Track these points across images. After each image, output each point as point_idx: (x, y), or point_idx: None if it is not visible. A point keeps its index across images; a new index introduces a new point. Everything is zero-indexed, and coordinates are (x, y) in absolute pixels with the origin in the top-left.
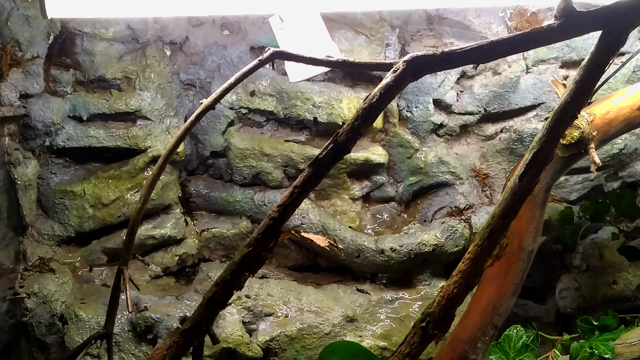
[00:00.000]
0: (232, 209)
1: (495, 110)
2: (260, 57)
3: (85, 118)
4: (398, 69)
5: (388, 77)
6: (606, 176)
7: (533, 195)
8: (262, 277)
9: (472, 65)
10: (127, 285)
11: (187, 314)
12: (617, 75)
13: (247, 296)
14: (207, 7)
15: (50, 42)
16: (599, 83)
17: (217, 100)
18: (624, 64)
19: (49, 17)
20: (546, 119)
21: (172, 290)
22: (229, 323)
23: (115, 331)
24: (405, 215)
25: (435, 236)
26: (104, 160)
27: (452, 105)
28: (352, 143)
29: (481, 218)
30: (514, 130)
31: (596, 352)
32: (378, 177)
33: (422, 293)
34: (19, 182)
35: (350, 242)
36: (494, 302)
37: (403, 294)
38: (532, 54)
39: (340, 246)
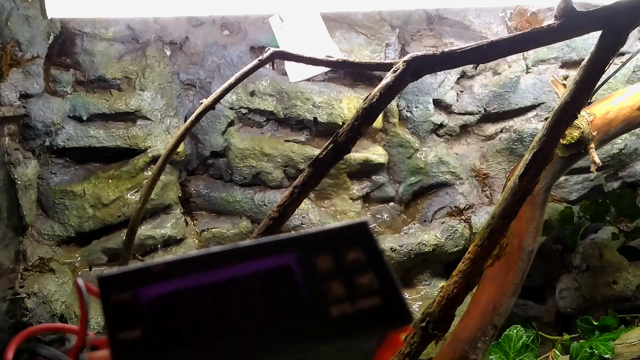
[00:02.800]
0: (232, 209)
1: (495, 110)
2: (260, 57)
3: (85, 118)
4: (398, 69)
5: (388, 77)
6: (606, 176)
7: (533, 195)
8: None
9: (472, 65)
10: None
11: None
12: (617, 75)
13: None
14: (207, 7)
15: (50, 42)
16: (599, 83)
17: (217, 100)
18: (624, 64)
19: (49, 17)
20: (546, 119)
21: None
22: None
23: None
24: (405, 215)
25: (435, 236)
26: (104, 160)
27: (452, 105)
28: (352, 143)
29: (481, 218)
30: (514, 130)
31: (596, 352)
32: (378, 177)
33: (422, 293)
34: (19, 182)
35: None
36: (494, 302)
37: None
38: (532, 54)
39: None
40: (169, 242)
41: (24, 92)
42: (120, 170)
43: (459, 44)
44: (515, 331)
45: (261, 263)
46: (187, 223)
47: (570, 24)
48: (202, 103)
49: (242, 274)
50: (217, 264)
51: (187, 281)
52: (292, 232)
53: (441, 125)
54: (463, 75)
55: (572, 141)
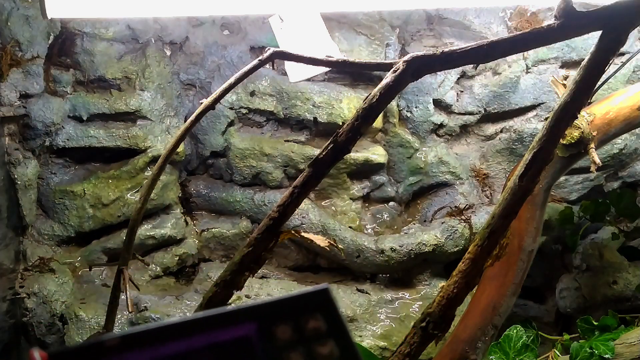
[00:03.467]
0: (232, 209)
1: (495, 110)
2: (260, 57)
3: (85, 118)
4: (398, 69)
5: (388, 77)
6: (606, 176)
7: (533, 195)
8: (262, 277)
9: (472, 65)
10: (127, 285)
11: (187, 314)
12: (617, 75)
13: (247, 296)
14: (207, 7)
15: (50, 42)
16: (599, 83)
17: (217, 100)
18: (624, 64)
19: (49, 17)
20: (546, 119)
21: (172, 290)
22: None
23: (115, 331)
24: (405, 215)
25: (435, 236)
26: (104, 160)
27: (452, 105)
28: (352, 143)
29: (481, 218)
30: (514, 130)
31: (596, 352)
32: (378, 177)
33: (422, 293)
34: (19, 182)
35: (350, 242)
36: (494, 302)
37: (403, 294)
38: (532, 54)
39: (340, 246)
40: (169, 242)
41: (24, 92)
42: (120, 170)
43: (459, 44)
44: (515, 331)
45: (220, 334)
46: (187, 223)
47: (570, 24)
48: (202, 103)
49: (199, 346)
50: (175, 336)
51: (142, 355)
52: (292, 231)
53: (441, 125)
54: (463, 75)
55: (572, 141)
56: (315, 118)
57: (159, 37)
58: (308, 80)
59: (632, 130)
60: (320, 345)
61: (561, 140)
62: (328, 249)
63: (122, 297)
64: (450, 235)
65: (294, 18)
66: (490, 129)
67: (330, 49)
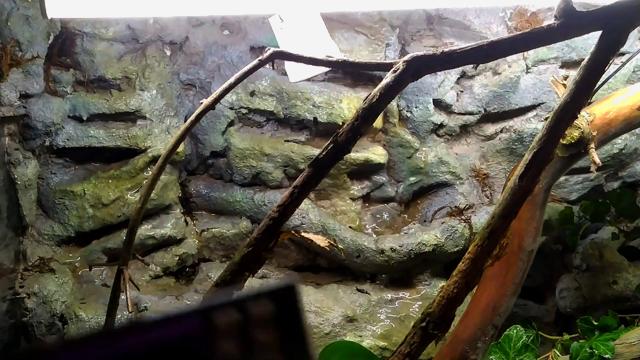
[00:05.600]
0: (232, 209)
1: (495, 110)
2: (260, 57)
3: (85, 118)
4: (398, 69)
5: (388, 77)
6: (606, 176)
7: (533, 195)
8: (262, 277)
9: (472, 65)
10: (127, 285)
11: None
12: (617, 75)
13: None
14: (207, 7)
15: (50, 42)
16: (599, 83)
17: (217, 100)
18: (624, 64)
19: (49, 17)
20: (546, 119)
21: (172, 290)
22: None
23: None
24: (405, 215)
25: (435, 236)
26: (104, 160)
27: (452, 105)
28: (352, 143)
29: (481, 218)
30: (514, 130)
31: (596, 352)
32: (378, 177)
33: (422, 293)
34: (19, 182)
35: (350, 242)
36: (494, 302)
37: (403, 294)
38: (532, 54)
39: (340, 246)
40: (169, 242)
41: (24, 92)
42: (120, 170)
43: (459, 44)
44: (515, 331)
45: (166, 335)
46: (187, 223)
47: (570, 24)
48: (202, 103)
49: (143, 347)
50: (118, 340)
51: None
52: (292, 231)
53: (441, 125)
54: (463, 75)
55: (572, 141)
56: (315, 118)
57: (159, 37)
58: (308, 80)
59: (632, 130)
60: (271, 348)
61: (561, 140)
62: (328, 249)
63: (122, 297)
64: (450, 235)
65: (294, 18)
66: (490, 129)
67: (330, 49)
